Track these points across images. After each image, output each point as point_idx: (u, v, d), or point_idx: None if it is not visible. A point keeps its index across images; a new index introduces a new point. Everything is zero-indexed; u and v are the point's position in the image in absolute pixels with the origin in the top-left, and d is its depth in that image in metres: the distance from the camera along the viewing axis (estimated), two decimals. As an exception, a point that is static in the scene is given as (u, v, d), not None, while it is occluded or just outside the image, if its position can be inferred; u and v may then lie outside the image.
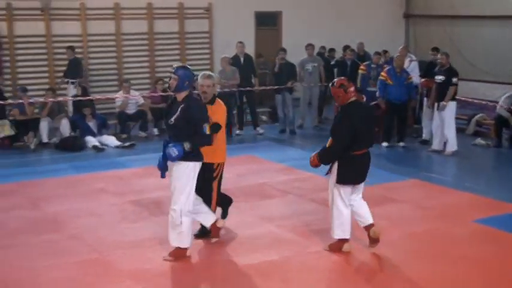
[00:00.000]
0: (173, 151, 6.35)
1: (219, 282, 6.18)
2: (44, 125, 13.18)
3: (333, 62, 16.06)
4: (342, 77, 7.25)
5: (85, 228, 7.74)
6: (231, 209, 8.46)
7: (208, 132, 6.50)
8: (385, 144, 12.68)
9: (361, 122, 6.76)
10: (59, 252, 6.92)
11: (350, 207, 6.88)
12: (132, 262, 6.65)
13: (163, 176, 6.74)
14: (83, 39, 16.89)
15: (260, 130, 14.47)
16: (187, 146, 6.37)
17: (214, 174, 7.18)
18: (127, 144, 12.88)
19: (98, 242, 7.23)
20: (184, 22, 18.19)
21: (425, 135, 13.04)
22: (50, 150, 12.94)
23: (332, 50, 17.35)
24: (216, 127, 6.87)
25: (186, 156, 6.40)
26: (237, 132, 14.43)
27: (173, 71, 6.60)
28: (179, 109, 6.47)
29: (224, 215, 7.69)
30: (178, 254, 6.66)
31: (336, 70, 15.69)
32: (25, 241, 7.14)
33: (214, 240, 7.15)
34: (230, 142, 13.63)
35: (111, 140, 13.27)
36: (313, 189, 9.20)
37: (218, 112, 7.08)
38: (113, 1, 17.14)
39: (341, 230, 6.85)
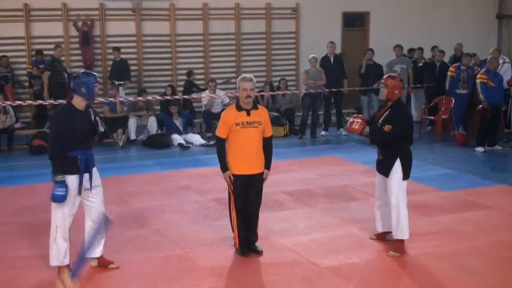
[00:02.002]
0: (61, 191, 5.85)
1: (299, 282, 6.16)
2: (132, 123, 13.54)
3: (420, 64, 15.72)
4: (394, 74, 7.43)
5: (169, 225, 7.90)
6: (313, 210, 8.47)
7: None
8: (481, 149, 12.30)
9: (411, 119, 7.05)
10: (144, 247, 7.08)
11: None
12: (214, 259, 6.72)
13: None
14: (172, 39, 17.25)
15: (343, 132, 14.36)
16: (59, 178, 5.85)
17: (263, 185, 6.90)
18: (212, 142, 13.04)
19: (181, 238, 7.35)
20: (271, 22, 18.27)
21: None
22: (137, 147, 13.32)
23: (412, 51, 16.91)
24: (270, 140, 6.81)
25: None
26: (322, 133, 14.38)
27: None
28: (92, 116, 6.08)
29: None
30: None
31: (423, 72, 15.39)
32: (113, 235, 7.29)
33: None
34: (314, 143, 13.75)
35: (196, 138, 13.50)
36: (398, 193, 9.02)
37: (265, 116, 6.77)
38: (201, 2, 17.41)
39: (407, 229, 6.83)
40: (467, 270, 6.43)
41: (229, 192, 6.83)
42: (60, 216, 6.02)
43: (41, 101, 13.32)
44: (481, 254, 6.88)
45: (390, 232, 7.02)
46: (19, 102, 13.34)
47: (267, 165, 6.82)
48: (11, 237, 7.49)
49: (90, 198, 6.22)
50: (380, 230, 7.18)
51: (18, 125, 13.91)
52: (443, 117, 13.73)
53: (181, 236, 7.46)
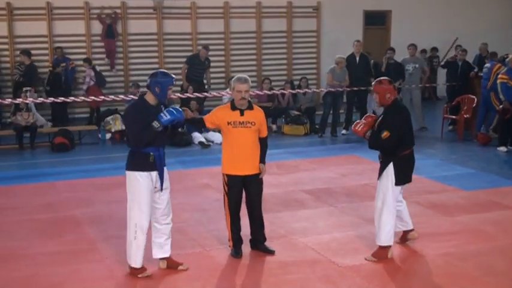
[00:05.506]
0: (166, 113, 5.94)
1: (319, 282, 6.15)
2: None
3: (442, 63, 15.59)
4: (383, 77, 6.88)
5: (189, 223, 7.93)
6: (333, 209, 8.45)
7: None
8: (503, 149, 12.17)
9: (408, 121, 6.66)
10: (164, 244, 7.10)
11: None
12: (234, 257, 6.72)
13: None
14: (193, 37, 17.30)
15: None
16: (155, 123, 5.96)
17: (263, 184, 6.80)
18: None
19: (201, 237, 7.37)
20: (293, 21, 18.26)
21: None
22: (158, 145, 13.31)
23: (434, 49, 16.72)
24: (265, 140, 6.69)
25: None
26: (343, 132, 14.32)
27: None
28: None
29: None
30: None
31: (446, 71, 15.24)
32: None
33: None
34: (335, 142, 13.73)
35: (217, 137, 13.48)
36: (417, 192, 8.97)
37: (261, 117, 6.62)
38: (222, 0, 17.43)
39: (390, 236, 6.66)
40: (488, 270, 6.39)
41: (223, 194, 6.78)
42: (138, 213, 6.07)
43: (73, 98, 13.42)
44: (502, 254, 6.84)
45: (411, 230, 6.98)
46: (41, 99, 13.42)
47: (262, 160, 6.65)
48: (34, 234, 7.55)
49: (157, 199, 6.21)
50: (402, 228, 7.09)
51: (41, 123, 14.02)
52: (465, 116, 13.62)
53: (201, 234, 7.48)
